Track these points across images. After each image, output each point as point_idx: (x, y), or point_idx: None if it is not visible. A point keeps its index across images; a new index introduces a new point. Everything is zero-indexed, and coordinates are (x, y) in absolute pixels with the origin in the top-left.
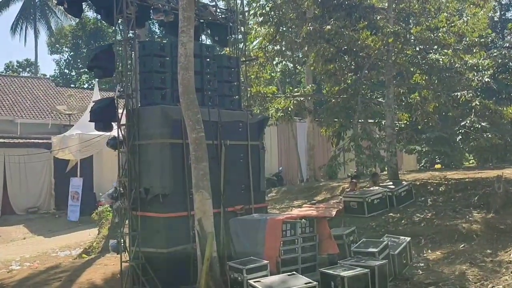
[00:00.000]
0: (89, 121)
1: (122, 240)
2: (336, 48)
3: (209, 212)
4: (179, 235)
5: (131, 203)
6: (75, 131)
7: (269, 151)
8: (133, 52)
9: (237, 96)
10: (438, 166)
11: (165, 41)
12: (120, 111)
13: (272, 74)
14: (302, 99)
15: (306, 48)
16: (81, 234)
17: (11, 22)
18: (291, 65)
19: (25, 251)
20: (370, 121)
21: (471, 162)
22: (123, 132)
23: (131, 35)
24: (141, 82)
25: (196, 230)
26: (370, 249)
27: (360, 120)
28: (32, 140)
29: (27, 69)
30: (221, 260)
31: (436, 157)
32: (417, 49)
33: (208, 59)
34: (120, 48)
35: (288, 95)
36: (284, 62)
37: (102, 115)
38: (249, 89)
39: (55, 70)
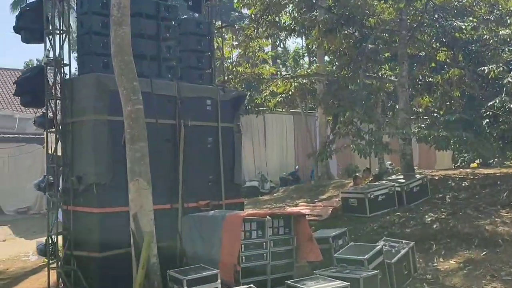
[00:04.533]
0: (14, 94)
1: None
2: (336, 16)
3: (147, 206)
4: (118, 236)
5: (61, 195)
6: None
7: (285, 149)
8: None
9: (209, 70)
10: (474, 165)
11: None
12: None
13: (268, 52)
14: (305, 80)
15: (295, 14)
16: None
17: None
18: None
19: None
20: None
21: None
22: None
23: None
24: (79, 47)
25: (130, 228)
26: (357, 256)
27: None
28: (24, 135)
29: None
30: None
31: (464, 153)
32: (436, 16)
33: (168, 22)
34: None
35: (287, 75)
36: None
37: (30, 87)
38: (240, 68)
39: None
